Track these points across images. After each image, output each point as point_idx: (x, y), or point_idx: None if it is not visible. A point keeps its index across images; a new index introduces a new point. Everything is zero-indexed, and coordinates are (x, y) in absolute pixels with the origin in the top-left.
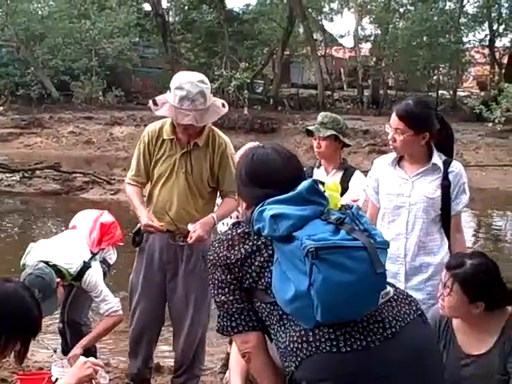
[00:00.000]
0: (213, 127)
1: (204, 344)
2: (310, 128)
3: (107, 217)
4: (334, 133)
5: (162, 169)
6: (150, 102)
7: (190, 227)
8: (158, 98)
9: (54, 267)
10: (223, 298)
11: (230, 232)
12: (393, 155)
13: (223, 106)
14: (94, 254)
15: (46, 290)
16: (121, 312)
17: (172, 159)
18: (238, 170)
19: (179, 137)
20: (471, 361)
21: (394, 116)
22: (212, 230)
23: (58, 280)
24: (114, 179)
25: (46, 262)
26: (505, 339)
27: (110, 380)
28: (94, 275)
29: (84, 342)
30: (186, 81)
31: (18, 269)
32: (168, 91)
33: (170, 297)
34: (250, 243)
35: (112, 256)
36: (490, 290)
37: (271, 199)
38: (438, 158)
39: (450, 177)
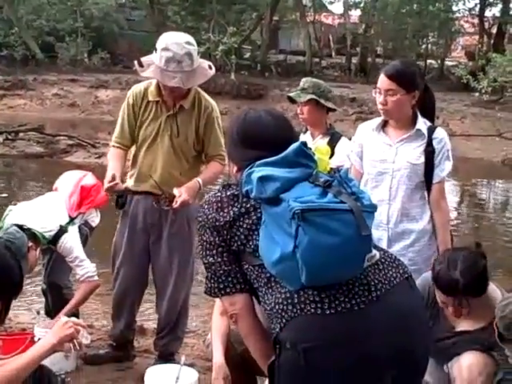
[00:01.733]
0: (199, 90)
1: (187, 306)
2: (290, 94)
3: (90, 179)
4: (314, 97)
5: (147, 131)
6: (136, 62)
7: (176, 192)
8: (144, 59)
9: (29, 231)
10: (211, 259)
11: (219, 194)
12: (377, 120)
13: (210, 67)
14: (72, 219)
15: (16, 255)
16: (96, 278)
17: (157, 122)
18: (230, 132)
19: (165, 99)
20: (456, 336)
21: (383, 78)
22: (197, 194)
23: (30, 244)
24: (99, 143)
25: (21, 226)
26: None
27: (92, 341)
28: (70, 240)
29: (64, 311)
30: (173, 42)
31: None
32: (154, 52)
33: (153, 259)
34: (239, 205)
35: (95, 219)
36: (487, 273)
37: (260, 161)
38: (422, 124)
39: (434, 143)
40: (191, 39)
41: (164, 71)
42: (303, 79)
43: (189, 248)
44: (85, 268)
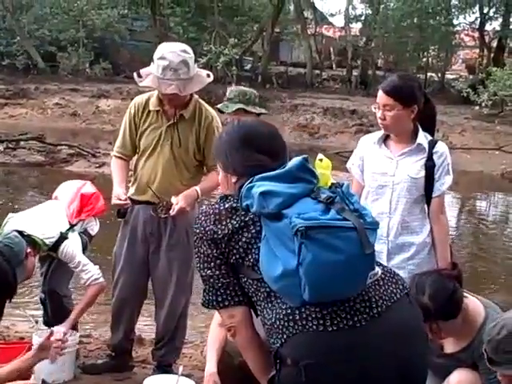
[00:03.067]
0: (200, 100)
1: (186, 317)
2: (217, 106)
3: (89, 188)
4: (241, 106)
5: (148, 140)
6: (135, 74)
7: (174, 200)
8: (143, 70)
9: (29, 237)
10: (209, 272)
11: (217, 206)
12: (379, 134)
13: (208, 76)
14: (72, 226)
15: (13, 260)
16: (102, 279)
17: (158, 131)
18: (226, 141)
19: (165, 109)
20: (443, 357)
21: (380, 93)
22: (195, 203)
23: (29, 251)
24: (99, 152)
25: (21, 232)
26: (474, 347)
27: (90, 351)
28: (71, 246)
29: (72, 316)
30: (169, 51)
31: None
32: (152, 63)
33: (152, 269)
34: (238, 219)
35: (94, 227)
36: (458, 295)
37: (260, 176)
38: (423, 138)
39: (435, 157)
40: (187, 48)
41: (161, 80)
42: (229, 89)
43: (188, 259)
44: (89, 271)
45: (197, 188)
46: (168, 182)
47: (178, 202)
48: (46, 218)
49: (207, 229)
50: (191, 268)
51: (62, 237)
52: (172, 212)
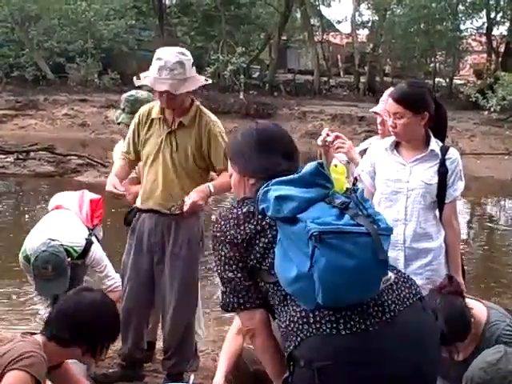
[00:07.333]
0: (201, 106)
1: (193, 327)
2: (120, 121)
3: (91, 194)
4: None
5: (150, 148)
6: (135, 77)
7: (186, 199)
8: (143, 74)
9: (61, 246)
10: (230, 274)
11: (235, 211)
12: (389, 140)
13: (206, 80)
14: (90, 230)
15: (59, 268)
16: (121, 288)
17: (159, 138)
18: (241, 146)
19: (166, 116)
20: (454, 364)
21: (390, 101)
22: (208, 200)
23: (69, 259)
24: (109, 162)
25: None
26: (480, 349)
27: (101, 360)
28: (98, 250)
29: None
30: (166, 52)
31: (12, 250)
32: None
33: (157, 279)
34: (255, 223)
35: (100, 232)
36: (467, 313)
37: (276, 180)
38: (435, 145)
39: (448, 163)
40: (185, 51)
41: (157, 79)
42: (122, 98)
43: (191, 269)
44: (113, 278)
45: (209, 184)
46: (170, 188)
47: (190, 197)
48: (68, 226)
49: (227, 233)
50: (195, 278)
51: (89, 242)
52: (185, 207)
